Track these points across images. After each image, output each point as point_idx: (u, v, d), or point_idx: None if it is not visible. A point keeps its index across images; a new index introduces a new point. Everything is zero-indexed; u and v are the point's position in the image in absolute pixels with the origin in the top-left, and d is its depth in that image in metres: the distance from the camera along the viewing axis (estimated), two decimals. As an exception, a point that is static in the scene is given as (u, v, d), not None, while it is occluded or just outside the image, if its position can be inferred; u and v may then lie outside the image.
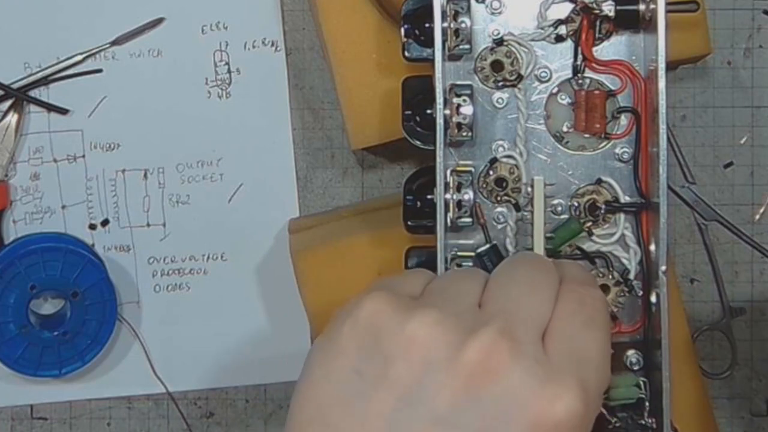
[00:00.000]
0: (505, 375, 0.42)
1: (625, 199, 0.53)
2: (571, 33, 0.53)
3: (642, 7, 0.51)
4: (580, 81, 0.53)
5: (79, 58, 0.63)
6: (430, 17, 0.51)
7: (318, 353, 0.45)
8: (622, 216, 0.53)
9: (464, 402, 0.42)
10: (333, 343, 0.44)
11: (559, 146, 0.53)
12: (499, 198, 0.53)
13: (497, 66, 0.53)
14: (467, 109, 0.51)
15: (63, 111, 0.63)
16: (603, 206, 0.53)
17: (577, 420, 0.42)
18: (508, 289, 0.46)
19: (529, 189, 0.53)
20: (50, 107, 0.63)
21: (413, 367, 0.42)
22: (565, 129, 0.53)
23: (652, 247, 0.52)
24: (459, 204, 0.51)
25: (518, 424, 0.41)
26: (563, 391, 0.42)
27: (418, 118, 0.52)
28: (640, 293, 0.53)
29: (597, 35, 0.53)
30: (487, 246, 0.53)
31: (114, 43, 0.63)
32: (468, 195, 0.52)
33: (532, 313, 0.44)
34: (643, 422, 0.50)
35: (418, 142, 0.52)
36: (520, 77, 0.53)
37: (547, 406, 0.41)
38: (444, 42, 0.51)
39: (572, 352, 0.44)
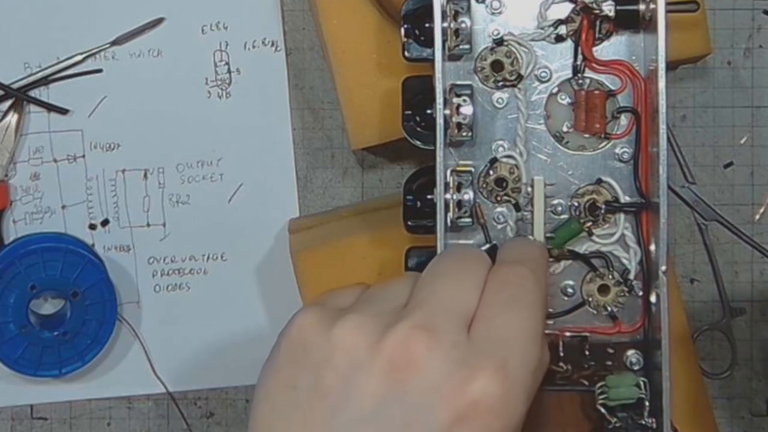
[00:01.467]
0: (423, 366, 0.42)
1: (625, 199, 0.53)
2: (571, 33, 0.53)
3: (642, 7, 0.51)
4: (580, 81, 0.53)
5: (79, 58, 0.63)
6: (430, 17, 0.51)
7: (262, 375, 0.47)
8: (622, 216, 0.53)
9: (389, 397, 0.43)
10: (272, 362, 0.46)
11: (559, 146, 0.53)
12: (499, 198, 0.53)
13: (497, 66, 0.53)
14: (467, 109, 0.51)
15: (63, 111, 0.63)
16: (603, 206, 0.53)
17: (494, 400, 0.42)
18: (431, 283, 0.46)
19: (529, 189, 0.53)
20: (50, 107, 0.63)
21: (339, 373, 0.43)
22: (565, 129, 0.53)
23: (652, 247, 0.52)
24: (459, 204, 0.51)
25: (440, 412, 0.42)
26: (477, 372, 0.42)
27: (418, 118, 0.52)
28: (640, 293, 0.53)
29: (597, 35, 0.53)
30: (487, 246, 0.53)
31: (114, 43, 0.63)
32: (468, 195, 0.52)
33: (454, 302, 0.45)
34: (643, 422, 0.50)
35: (418, 142, 0.52)
36: (520, 77, 0.53)
37: (461, 388, 0.42)
38: (444, 42, 0.51)
39: (492, 333, 0.44)
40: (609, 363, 0.53)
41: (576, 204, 0.53)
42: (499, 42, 0.53)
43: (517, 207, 0.53)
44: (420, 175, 0.53)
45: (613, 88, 0.53)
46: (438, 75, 0.51)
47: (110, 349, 0.64)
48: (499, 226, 0.53)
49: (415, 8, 0.52)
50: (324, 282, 0.59)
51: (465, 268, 0.47)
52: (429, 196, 0.52)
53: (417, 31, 0.52)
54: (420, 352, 0.43)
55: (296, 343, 0.45)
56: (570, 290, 0.53)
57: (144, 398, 0.66)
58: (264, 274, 0.65)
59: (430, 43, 0.51)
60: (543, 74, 0.53)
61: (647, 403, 0.51)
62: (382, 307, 0.46)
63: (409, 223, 0.53)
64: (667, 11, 0.50)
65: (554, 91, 0.53)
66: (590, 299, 0.53)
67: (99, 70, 0.64)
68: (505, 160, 0.53)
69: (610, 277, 0.53)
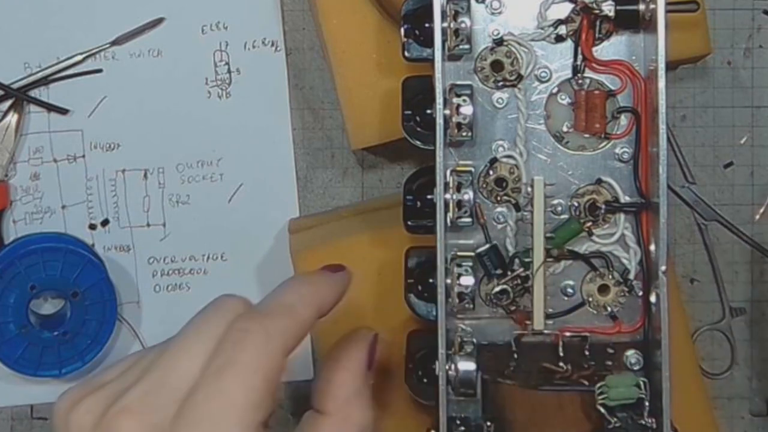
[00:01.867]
0: None
1: (625, 199, 0.53)
2: (571, 33, 0.53)
3: (642, 7, 0.51)
4: (580, 81, 0.53)
5: (79, 58, 0.63)
6: (430, 17, 0.51)
7: None
8: (622, 216, 0.53)
9: None
10: None
11: (559, 146, 0.53)
12: (499, 198, 0.53)
13: (497, 66, 0.53)
14: (467, 109, 0.51)
15: (63, 111, 0.63)
16: (603, 206, 0.53)
17: None
18: (164, 350, 0.43)
19: (529, 189, 0.53)
20: (50, 107, 0.63)
21: None
22: (565, 129, 0.53)
23: (652, 247, 0.52)
24: (459, 204, 0.51)
25: None
26: None
27: (418, 118, 0.52)
28: (640, 293, 0.53)
29: (597, 35, 0.53)
30: (487, 246, 0.53)
31: (114, 43, 0.63)
32: (468, 195, 0.52)
33: (173, 374, 0.42)
34: (643, 422, 0.50)
35: (418, 142, 0.52)
36: (520, 77, 0.53)
37: None
38: (444, 42, 0.51)
39: (195, 409, 0.40)
40: (609, 363, 0.53)
41: (576, 204, 0.53)
42: (499, 42, 0.53)
43: (517, 207, 0.53)
44: (420, 175, 0.53)
45: (613, 88, 0.53)
46: (438, 75, 0.51)
47: (110, 349, 0.64)
48: (499, 226, 0.53)
49: (415, 8, 0.52)
50: (324, 282, 0.59)
51: (199, 330, 0.43)
52: (429, 196, 0.52)
53: (417, 31, 0.52)
54: None
55: (52, 427, 0.44)
56: (570, 290, 0.53)
57: (144, 398, 0.66)
58: (264, 274, 0.65)
59: (430, 43, 0.51)
60: (543, 74, 0.53)
61: (647, 403, 0.51)
62: (126, 381, 0.43)
63: (409, 223, 0.53)
64: (667, 11, 0.50)
65: (554, 91, 0.53)
66: (590, 299, 0.53)
67: (99, 70, 0.64)
68: (505, 160, 0.53)
69: (610, 277, 0.53)
